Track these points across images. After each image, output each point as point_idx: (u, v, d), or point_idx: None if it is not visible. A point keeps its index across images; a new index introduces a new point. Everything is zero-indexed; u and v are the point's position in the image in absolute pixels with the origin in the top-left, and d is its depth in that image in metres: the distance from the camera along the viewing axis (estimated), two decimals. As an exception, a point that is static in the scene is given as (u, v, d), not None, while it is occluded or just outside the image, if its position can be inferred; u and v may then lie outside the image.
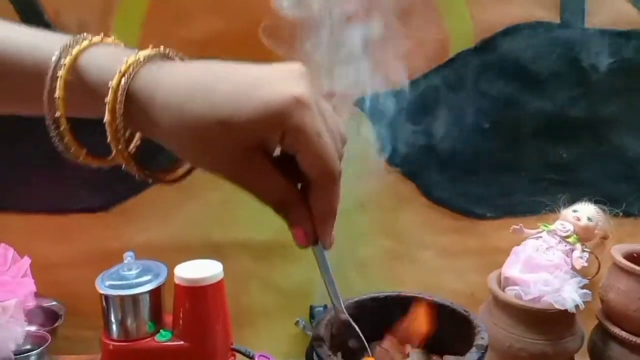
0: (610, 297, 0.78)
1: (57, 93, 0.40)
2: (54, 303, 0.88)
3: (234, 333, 0.88)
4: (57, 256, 0.94)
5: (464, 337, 0.54)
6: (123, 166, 0.44)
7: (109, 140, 0.41)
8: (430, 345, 0.56)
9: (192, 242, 0.93)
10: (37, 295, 0.84)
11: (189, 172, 0.48)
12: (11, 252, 0.83)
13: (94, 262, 0.84)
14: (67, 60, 0.39)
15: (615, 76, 0.95)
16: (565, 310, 0.73)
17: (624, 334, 0.76)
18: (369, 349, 0.52)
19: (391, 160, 0.95)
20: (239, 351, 0.83)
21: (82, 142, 0.43)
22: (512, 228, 0.84)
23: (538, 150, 0.96)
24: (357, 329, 0.52)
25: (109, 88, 0.38)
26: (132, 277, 0.79)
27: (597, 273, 0.85)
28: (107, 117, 0.39)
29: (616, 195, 0.93)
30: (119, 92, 0.38)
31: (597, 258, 0.86)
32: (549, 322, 0.74)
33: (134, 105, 0.39)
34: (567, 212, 0.85)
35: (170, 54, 0.43)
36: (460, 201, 0.96)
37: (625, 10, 0.93)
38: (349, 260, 0.96)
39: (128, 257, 0.80)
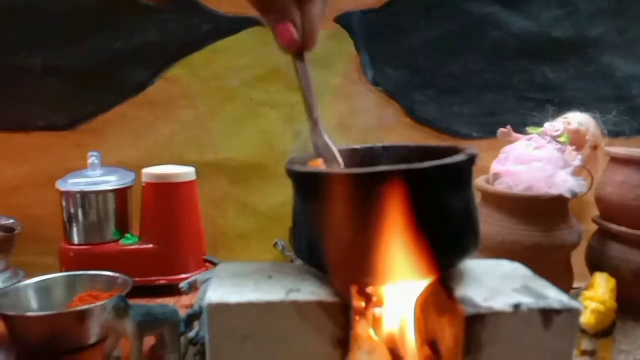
0: (606, 192, 0.74)
1: None
2: (11, 220, 0.81)
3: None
4: (17, 178, 0.87)
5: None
6: None
7: None
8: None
9: (165, 163, 0.87)
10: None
11: None
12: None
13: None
14: None
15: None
16: (560, 198, 0.69)
17: (622, 229, 0.71)
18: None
19: (374, 80, 0.92)
20: (211, 262, 0.77)
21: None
22: (499, 131, 0.80)
23: (523, 70, 0.93)
24: (334, 151, 0.47)
25: None
26: (96, 176, 0.74)
27: (591, 187, 0.81)
28: None
29: (606, 115, 0.90)
30: None
31: (590, 172, 0.82)
32: (542, 211, 0.69)
33: None
34: (557, 120, 0.81)
35: None
36: (446, 121, 0.92)
37: None
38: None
39: (92, 157, 0.74)
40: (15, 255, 0.81)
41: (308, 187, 0.45)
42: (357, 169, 0.44)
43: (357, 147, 0.55)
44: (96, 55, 0.86)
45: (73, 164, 0.84)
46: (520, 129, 0.83)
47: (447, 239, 0.43)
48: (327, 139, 0.47)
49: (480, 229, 0.47)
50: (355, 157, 0.54)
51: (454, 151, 0.48)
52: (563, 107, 0.85)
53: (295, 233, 0.48)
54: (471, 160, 0.44)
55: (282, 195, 0.88)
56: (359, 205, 0.41)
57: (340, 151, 0.54)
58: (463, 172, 0.44)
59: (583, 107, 0.85)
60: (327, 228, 0.43)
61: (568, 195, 0.68)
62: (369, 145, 0.55)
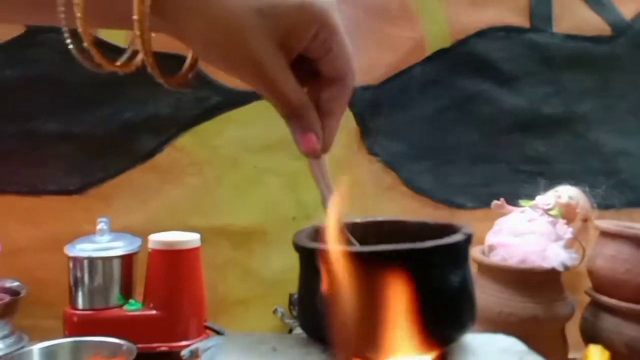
0: (597, 265, 0.76)
1: None
2: (16, 283, 0.83)
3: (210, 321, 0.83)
4: (25, 240, 0.89)
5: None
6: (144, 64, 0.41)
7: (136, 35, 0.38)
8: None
9: (171, 228, 0.89)
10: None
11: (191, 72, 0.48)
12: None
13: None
14: None
15: (587, 77, 1.00)
16: (552, 271, 0.71)
17: (613, 301, 0.73)
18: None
19: (373, 151, 0.96)
20: (212, 329, 0.77)
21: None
22: (493, 203, 0.83)
23: (515, 143, 0.98)
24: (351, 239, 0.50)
25: None
26: (103, 242, 0.76)
27: (582, 258, 0.84)
28: (135, 11, 0.37)
29: (595, 188, 0.94)
30: None
31: (581, 244, 0.85)
32: (537, 283, 0.71)
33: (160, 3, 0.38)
34: (548, 193, 0.85)
35: None
36: (441, 191, 0.96)
37: (590, 17, 1.00)
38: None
39: (101, 222, 0.77)
40: (17, 318, 0.82)
41: (313, 261, 0.47)
42: (360, 247, 0.47)
43: (359, 220, 0.58)
44: (109, 123, 0.90)
45: (81, 227, 0.86)
46: (513, 199, 0.87)
47: (447, 315, 0.46)
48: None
49: (477, 302, 0.50)
50: (357, 231, 0.57)
51: (451, 229, 0.51)
52: (554, 179, 0.89)
53: (300, 306, 0.50)
54: (468, 239, 0.47)
55: (284, 261, 0.90)
56: (361, 281, 0.44)
57: (344, 225, 0.57)
58: (461, 251, 0.47)
59: (573, 180, 0.89)
60: (330, 303, 0.45)
61: (560, 268, 0.71)
62: (370, 219, 0.58)
